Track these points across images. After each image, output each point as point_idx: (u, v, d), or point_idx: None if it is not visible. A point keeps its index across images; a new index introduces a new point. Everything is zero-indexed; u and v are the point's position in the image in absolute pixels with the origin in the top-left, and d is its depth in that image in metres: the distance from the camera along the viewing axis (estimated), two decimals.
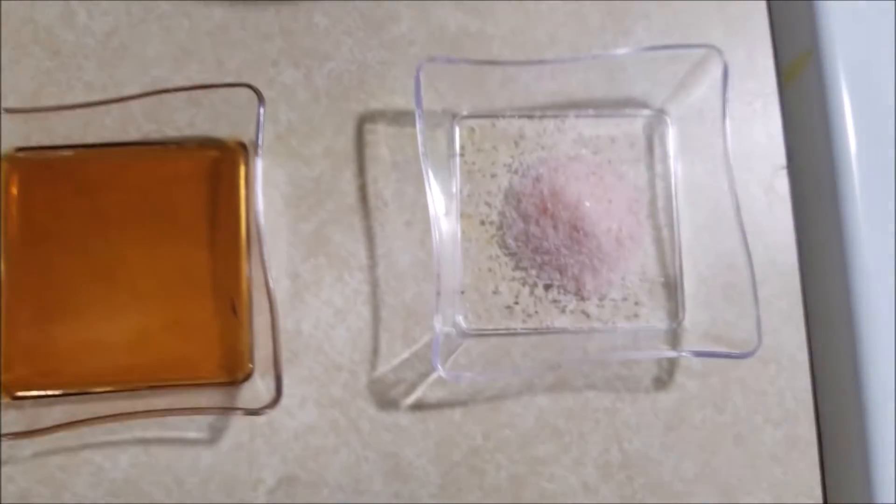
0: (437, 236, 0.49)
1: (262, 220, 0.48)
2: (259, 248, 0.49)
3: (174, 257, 0.50)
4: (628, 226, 0.54)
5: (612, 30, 0.58)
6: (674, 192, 0.53)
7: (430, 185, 0.50)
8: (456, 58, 0.53)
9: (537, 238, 0.53)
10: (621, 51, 0.53)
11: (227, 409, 0.50)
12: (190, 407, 0.50)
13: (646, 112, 0.54)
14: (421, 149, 0.50)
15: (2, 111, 0.48)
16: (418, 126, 0.50)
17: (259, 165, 0.48)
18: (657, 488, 0.54)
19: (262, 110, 0.48)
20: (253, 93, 0.48)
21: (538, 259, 0.54)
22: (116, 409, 0.50)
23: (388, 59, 0.57)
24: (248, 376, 0.49)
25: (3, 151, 0.52)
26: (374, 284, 0.55)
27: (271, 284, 0.48)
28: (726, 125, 0.50)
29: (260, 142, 0.48)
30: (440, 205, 0.52)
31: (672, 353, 0.52)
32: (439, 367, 0.48)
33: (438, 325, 0.49)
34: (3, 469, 0.51)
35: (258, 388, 0.51)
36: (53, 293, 0.51)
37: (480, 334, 0.54)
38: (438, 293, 0.49)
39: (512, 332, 0.54)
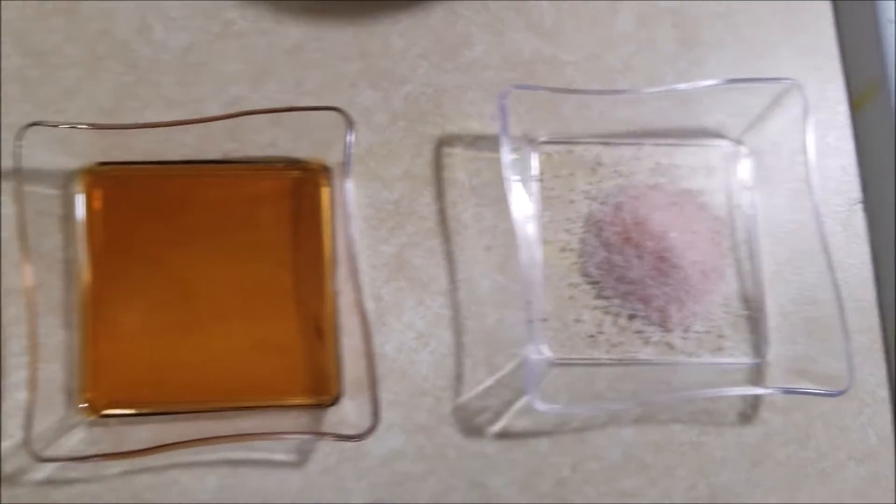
0: (527, 262, 0.55)
1: (356, 243, 0.54)
2: (353, 271, 0.54)
3: (256, 276, 0.55)
4: (712, 257, 0.60)
5: (686, 59, 0.66)
6: (753, 225, 0.59)
7: (515, 210, 0.56)
8: (540, 85, 0.56)
9: (621, 267, 0.60)
10: (706, 83, 0.55)
11: (325, 435, 0.54)
12: (286, 431, 0.56)
13: (722, 143, 0.60)
14: (506, 174, 0.55)
15: (76, 126, 0.55)
16: (503, 151, 0.54)
17: (350, 188, 0.51)
18: None
19: (351, 134, 0.51)
20: (338, 115, 0.54)
21: (621, 288, 0.61)
22: (203, 429, 0.56)
23: (464, 82, 0.63)
24: (335, 400, 0.55)
25: (86, 166, 0.59)
26: (456, 309, 0.61)
27: (365, 307, 0.54)
28: (808, 160, 0.53)
29: (349, 165, 0.51)
30: (521, 230, 0.58)
31: (764, 391, 0.59)
32: (535, 398, 0.54)
33: (533, 354, 0.55)
34: (90, 487, 0.57)
35: (347, 412, 0.57)
36: (136, 310, 0.54)
37: (566, 363, 0.61)
38: (531, 321, 0.55)
39: (599, 362, 0.61)
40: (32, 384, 0.52)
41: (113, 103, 0.61)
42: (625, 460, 0.59)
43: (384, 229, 0.59)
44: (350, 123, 0.52)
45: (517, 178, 0.58)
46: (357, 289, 0.54)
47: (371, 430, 0.52)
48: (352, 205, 0.51)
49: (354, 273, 0.54)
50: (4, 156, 0.59)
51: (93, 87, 0.62)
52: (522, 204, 0.59)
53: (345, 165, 0.54)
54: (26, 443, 0.50)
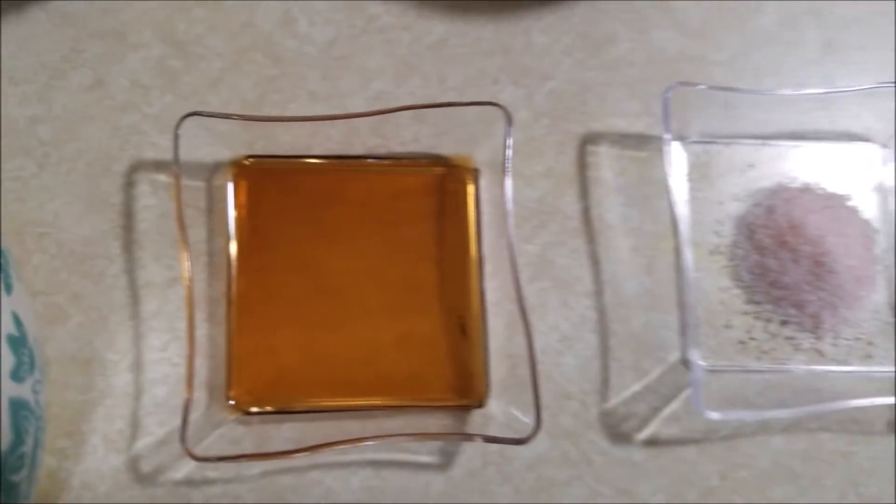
0: (687, 264, 0.55)
1: (514, 240, 0.53)
2: (513, 267, 0.54)
3: (400, 272, 0.54)
4: (864, 262, 0.59)
5: (831, 61, 0.65)
6: None
7: (676, 210, 0.55)
8: (704, 84, 0.59)
9: (775, 272, 0.59)
10: (854, 87, 0.58)
11: (488, 438, 0.54)
12: (446, 433, 0.55)
13: (869, 146, 0.58)
14: (668, 171, 0.56)
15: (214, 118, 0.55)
16: (665, 149, 0.56)
17: (509, 185, 0.50)
18: None
19: (510, 129, 0.50)
20: (492, 109, 0.54)
21: (774, 293, 0.60)
22: (346, 428, 0.55)
23: (608, 80, 0.63)
24: (482, 401, 0.54)
25: (232, 158, 0.58)
26: (601, 311, 0.61)
27: (525, 303, 0.54)
28: None
29: (508, 161, 0.51)
30: (665, 230, 0.59)
31: None
32: (703, 405, 0.53)
33: (697, 360, 0.54)
34: (230, 487, 0.56)
35: (493, 414, 0.57)
36: (280, 305, 0.53)
37: (715, 370, 0.60)
38: (694, 325, 0.55)
39: (754, 370, 0.60)
40: (189, 381, 0.51)
41: (256, 96, 0.61)
42: (774, 469, 0.59)
43: (527, 228, 0.57)
44: (509, 118, 0.54)
45: (659, 178, 0.58)
46: (518, 286, 0.54)
47: (534, 433, 0.52)
48: (510, 202, 0.50)
49: (515, 269, 0.54)
50: (146, 146, 0.60)
51: (236, 79, 0.61)
52: (663, 205, 0.59)
53: (503, 162, 0.53)
54: (182, 442, 0.50)
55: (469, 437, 0.50)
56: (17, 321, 0.46)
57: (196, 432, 0.52)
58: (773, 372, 0.60)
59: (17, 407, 0.44)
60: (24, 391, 0.45)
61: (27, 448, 0.45)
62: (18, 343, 0.45)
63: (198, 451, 0.50)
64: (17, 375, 0.44)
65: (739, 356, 0.61)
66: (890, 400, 0.57)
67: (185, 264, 0.49)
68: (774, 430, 0.60)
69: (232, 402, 0.56)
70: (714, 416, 0.53)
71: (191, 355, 0.51)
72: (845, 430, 0.60)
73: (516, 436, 0.51)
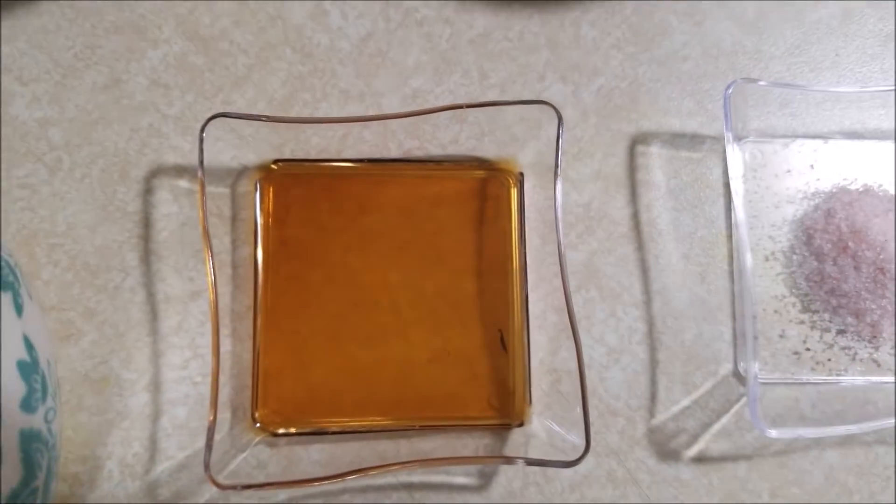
0: (745, 271, 0.51)
1: (564, 249, 0.50)
2: (564, 278, 0.50)
3: (437, 283, 0.52)
4: None
5: (891, 58, 0.62)
6: None
7: (736, 214, 0.52)
8: (766, 80, 0.55)
9: (834, 279, 0.56)
10: None
11: (534, 461, 0.50)
12: (491, 456, 0.53)
13: None
14: (730, 173, 0.53)
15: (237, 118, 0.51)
16: (728, 150, 0.52)
17: (559, 189, 0.50)
18: None
19: (562, 131, 0.50)
20: (540, 108, 0.51)
21: (833, 302, 0.56)
22: (378, 450, 0.52)
23: (661, 76, 0.60)
24: (523, 419, 0.51)
25: (259, 163, 0.54)
26: (650, 323, 0.57)
27: (574, 317, 0.50)
28: None
29: (559, 163, 0.50)
30: (719, 236, 0.57)
31: None
32: (762, 424, 0.50)
33: (754, 374, 0.51)
34: None
35: (535, 432, 0.53)
36: (309, 319, 0.51)
37: (769, 383, 0.57)
38: (752, 336, 0.51)
39: (810, 382, 0.57)
40: (214, 401, 0.48)
41: (284, 95, 0.57)
42: (827, 485, 0.56)
43: (573, 234, 0.55)
44: (560, 118, 0.50)
45: (712, 179, 0.57)
46: (567, 297, 0.50)
47: (584, 454, 0.48)
48: (559, 207, 0.47)
49: (565, 279, 0.50)
50: (167, 150, 0.56)
51: (263, 76, 0.57)
52: (717, 209, 0.58)
53: (555, 163, 0.50)
54: (206, 469, 0.46)
55: (510, 460, 0.49)
56: (29, 344, 0.43)
57: (219, 456, 0.49)
58: (828, 384, 0.57)
59: (29, 440, 0.41)
60: (36, 421, 0.42)
61: (39, 482, 0.42)
62: (29, 369, 0.42)
63: (221, 477, 0.47)
64: (28, 405, 0.41)
65: (794, 367, 0.58)
66: None
67: (210, 277, 0.48)
68: (828, 444, 0.56)
69: (258, 424, 0.53)
70: (773, 434, 0.50)
71: (215, 372, 0.47)
72: None
73: (561, 456, 0.48)
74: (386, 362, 0.51)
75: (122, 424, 0.53)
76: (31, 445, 0.41)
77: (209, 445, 0.47)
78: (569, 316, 0.49)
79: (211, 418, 0.47)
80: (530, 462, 0.49)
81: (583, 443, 0.48)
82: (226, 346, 0.53)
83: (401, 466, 0.49)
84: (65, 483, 0.52)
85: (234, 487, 0.47)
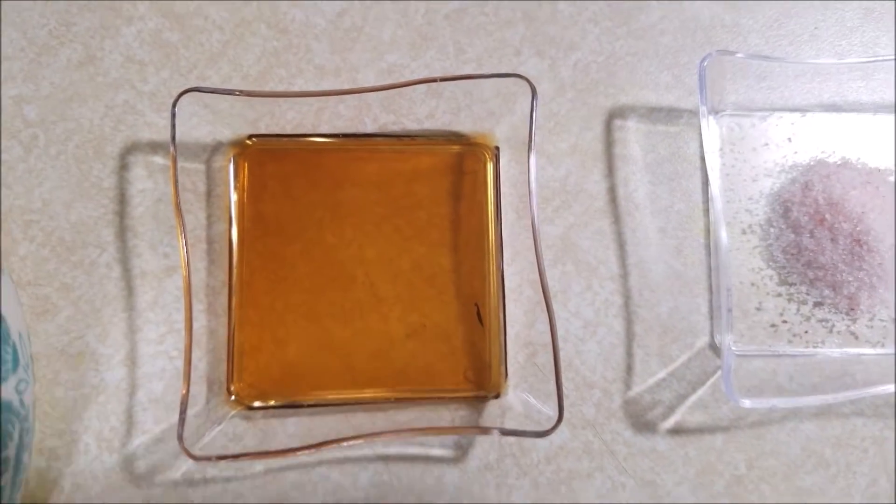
0: (721, 244, 0.51)
1: (537, 221, 0.49)
2: (538, 252, 0.50)
3: (413, 258, 0.52)
4: None
5: (873, 28, 0.61)
6: None
7: (711, 187, 0.51)
8: (740, 53, 0.51)
9: (811, 251, 0.55)
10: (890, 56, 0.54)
11: (509, 431, 0.50)
12: (461, 427, 0.52)
13: None
14: (704, 146, 0.52)
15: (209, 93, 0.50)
16: (703, 124, 0.51)
17: (533, 163, 0.47)
18: None
19: (536, 104, 0.47)
20: (514, 81, 0.50)
21: (810, 274, 0.56)
22: (354, 423, 0.52)
23: (638, 50, 0.59)
24: (499, 391, 0.51)
25: (233, 138, 0.54)
26: (627, 296, 0.57)
27: (548, 290, 0.49)
28: None
29: (533, 137, 0.50)
30: (696, 209, 0.56)
31: None
32: (736, 394, 0.49)
33: (729, 345, 0.50)
34: (231, 486, 0.53)
35: (510, 405, 0.53)
36: (285, 294, 0.51)
37: (748, 355, 0.56)
38: (727, 308, 0.51)
39: (787, 354, 0.56)
40: (187, 374, 0.47)
41: (259, 70, 0.57)
42: (804, 456, 0.56)
43: (549, 208, 0.54)
44: (534, 92, 0.49)
45: (688, 153, 0.56)
46: (541, 271, 0.49)
47: (556, 424, 0.48)
48: (534, 181, 0.47)
49: (539, 253, 0.49)
50: (141, 126, 0.55)
51: (238, 52, 0.57)
52: (693, 182, 0.57)
53: (529, 138, 0.49)
54: (179, 440, 0.46)
55: (486, 430, 0.47)
56: None
57: (195, 429, 0.49)
58: (805, 356, 0.56)
59: None
60: (6, 392, 0.42)
61: (10, 452, 0.42)
62: None
63: (197, 449, 0.47)
64: None
65: (771, 340, 0.57)
66: None
67: (183, 252, 0.46)
68: (805, 416, 0.56)
69: (234, 398, 0.52)
70: (746, 403, 0.49)
71: (188, 346, 0.47)
72: (880, 416, 0.57)
73: (536, 427, 0.48)
74: (362, 337, 0.51)
75: (98, 399, 0.52)
76: (1, 415, 0.41)
77: (182, 418, 0.47)
78: (542, 288, 0.49)
79: (184, 391, 0.47)
80: (505, 432, 0.49)
81: (546, 413, 0.48)
82: (201, 321, 0.53)
83: (376, 437, 0.49)
84: (41, 457, 0.52)
85: (208, 459, 0.47)
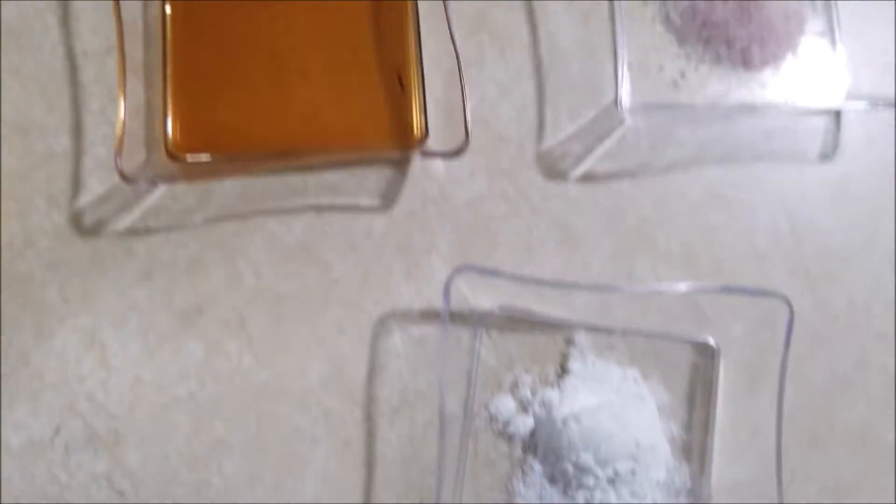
0: (620, 15, 0.55)
1: None
2: (446, 10, 0.54)
3: (339, 31, 0.55)
4: (795, 4, 0.60)
5: None
6: None
7: None
8: None
9: (704, 12, 0.59)
10: None
11: (425, 153, 0.55)
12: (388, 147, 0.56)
13: None
14: None
15: None
16: None
17: None
18: (826, 256, 0.60)
19: None
20: None
21: (704, 34, 0.59)
22: (288, 182, 0.56)
23: None
24: (421, 142, 0.54)
25: None
26: (538, 61, 0.60)
27: (456, 40, 0.54)
28: None
29: None
30: None
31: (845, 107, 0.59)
32: (622, 107, 0.54)
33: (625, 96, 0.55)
34: (172, 235, 0.56)
35: (433, 162, 0.58)
36: (220, 63, 0.54)
37: (651, 108, 0.60)
38: (623, 66, 0.55)
39: (682, 107, 0.60)
40: (122, 83, 0.50)
41: None
42: (708, 198, 0.60)
43: None
44: None
45: None
46: (450, 26, 0.53)
47: (464, 146, 0.52)
48: None
49: (447, 12, 0.53)
50: None
51: None
52: None
53: None
54: (116, 165, 0.49)
55: (406, 151, 0.54)
56: None
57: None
58: (705, 110, 0.61)
59: None
60: None
61: None
62: None
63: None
64: None
65: (673, 95, 0.61)
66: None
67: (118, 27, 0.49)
68: (708, 162, 0.60)
69: (170, 157, 0.52)
70: (627, 120, 0.54)
71: (121, 80, 0.51)
72: (778, 160, 0.61)
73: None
74: (291, 103, 0.54)
75: (46, 165, 0.54)
76: None
77: (119, 147, 0.50)
78: (452, 41, 0.54)
79: (121, 118, 0.51)
80: (423, 153, 0.55)
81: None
82: (140, 95, 0.56)
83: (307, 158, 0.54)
84: None
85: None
